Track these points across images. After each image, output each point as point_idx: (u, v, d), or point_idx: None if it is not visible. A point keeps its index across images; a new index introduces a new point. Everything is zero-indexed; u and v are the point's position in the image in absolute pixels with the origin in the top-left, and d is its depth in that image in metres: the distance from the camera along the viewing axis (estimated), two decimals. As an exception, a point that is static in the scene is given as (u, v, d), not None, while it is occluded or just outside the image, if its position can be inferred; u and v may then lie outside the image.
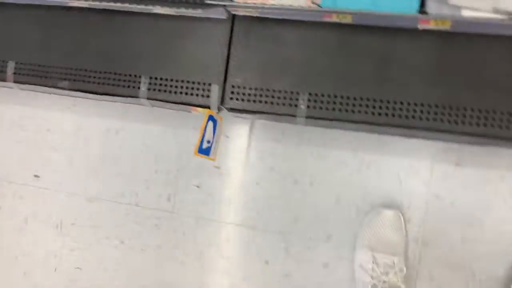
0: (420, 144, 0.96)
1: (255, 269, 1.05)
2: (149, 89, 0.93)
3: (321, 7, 0.76)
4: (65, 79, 0.97)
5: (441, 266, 0.95)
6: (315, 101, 0.85)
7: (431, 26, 0.77)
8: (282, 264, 1.03)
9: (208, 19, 0.89)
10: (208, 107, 0.90)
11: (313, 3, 0.72)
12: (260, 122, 1.06)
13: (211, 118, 0.89)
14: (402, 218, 0.94)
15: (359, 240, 0.96)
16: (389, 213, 0.93)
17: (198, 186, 1.09)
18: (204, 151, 0.89)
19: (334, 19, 0.80)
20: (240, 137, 1.07)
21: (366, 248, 0.92)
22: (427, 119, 0.80)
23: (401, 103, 0.81)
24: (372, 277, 0.88)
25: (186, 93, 0.92)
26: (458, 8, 0.71)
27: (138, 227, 1.12)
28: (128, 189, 1.14)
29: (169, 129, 1.11)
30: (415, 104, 0.80)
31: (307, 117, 0.86)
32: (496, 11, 0.69)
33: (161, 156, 1.11)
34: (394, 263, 0.89)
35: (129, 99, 0.95)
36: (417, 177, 0.96)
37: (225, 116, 1.02)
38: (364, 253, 0.92)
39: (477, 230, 0.93)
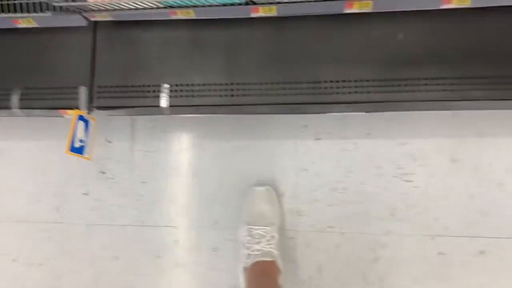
0: (283, 125, 1.07)
1: (148, 265, 1.08)
2: (21, 99, 0.97)
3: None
4: None
5: (315, 232, 1.03)
6: (176, 91, 0.93)
7: (261, 13, 0.88)
8: (174, 255, 1.08)
9: (72, 28, 0.96)
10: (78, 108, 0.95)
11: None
12: (140, 124, 1.12)
13: (81, 118, 0.94)
14: (274, 193, 1.03)
15: (240, 219, 1.02)
16: (261, 190, 1.01)
17: (86, 194, 1.12)
18: (77, 150, 0.93)
19: (179, 15, 0.90)
20: (122, 141, 1.12)
21: (245, 224, 0.99)
22: (271, 95, 0.90)
23: (249, 83, 0.91)
24: (247, 248, 0.94)
25: (57, 99, 0.96)
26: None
27: (30, 242, 1.12)
28: (19, 206, 1.14)
29: (52, 141, 1.14)
30: (261, 84, 0.90)
31: (171, 106, 0.93)
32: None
33: (48, 168, 1.14)
34: (266, 232, 0.95)
35: (3, 111, 0.98)
36: (284, 154, 1.06)
37: (105, 122, 1.07)
38: (243, 229, 0.99)
39: (342, 194, 1.04)
